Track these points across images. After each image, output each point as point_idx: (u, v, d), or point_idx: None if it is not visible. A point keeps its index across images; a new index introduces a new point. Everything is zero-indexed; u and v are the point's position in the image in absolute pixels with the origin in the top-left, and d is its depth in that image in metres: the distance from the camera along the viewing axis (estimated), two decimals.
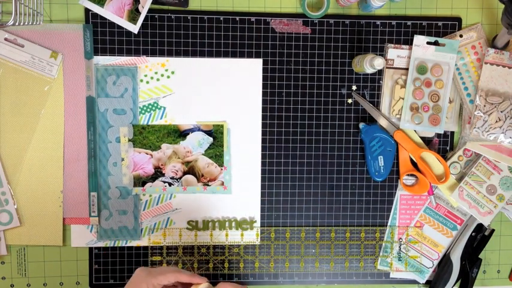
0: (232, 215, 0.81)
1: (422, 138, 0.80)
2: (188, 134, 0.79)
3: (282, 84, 0.80)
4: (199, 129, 0.79)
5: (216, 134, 0.79)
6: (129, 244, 0.80)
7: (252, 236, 0.81)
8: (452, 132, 0.82)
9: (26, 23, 0.68)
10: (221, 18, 0.78)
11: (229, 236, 0.81)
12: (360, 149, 0.81)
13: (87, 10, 0.76)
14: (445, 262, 0.82)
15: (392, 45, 0.79)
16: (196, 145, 0.79)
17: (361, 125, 0.80)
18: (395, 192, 0.82)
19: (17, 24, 0.66)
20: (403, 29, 0.80)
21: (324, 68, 0.80)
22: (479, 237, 0.82)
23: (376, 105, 0.80)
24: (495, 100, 0.78)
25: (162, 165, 0.79)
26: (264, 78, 0.79)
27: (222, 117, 0.79)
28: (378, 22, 0.79)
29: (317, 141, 0.81)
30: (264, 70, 0.79)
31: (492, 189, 0.79)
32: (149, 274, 0.63)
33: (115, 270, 0.80)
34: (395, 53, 0.79)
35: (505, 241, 0.85)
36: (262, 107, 0.80)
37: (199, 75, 0.78)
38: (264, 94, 0.79)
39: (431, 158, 0.80)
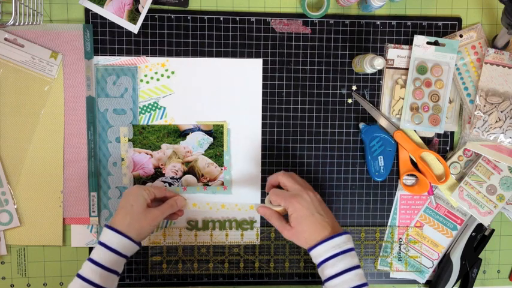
0: (232, 215, 0.81)
1: (422, 138, 0.80)
2: (188, 134, 0.79)
3: (282, 84, 0.80)
4: (199, 129, 0.79)
5: (216, 134, 0.79)
6: None
7: (252, 236, 0.81)
8: (452, 132, 0.82)
9: (26, 23, 0.68)
10: (221, 18, 0.78)
11: (229, 236, 0.81)
12: (360, 149, 0.81)
13: (87, 10, 0.76)
14: (445, 262, 0.82)
15: (392, 45, 0.79)
16: (196, 145, 0.79)
17: (361, 125, 0.80)
18: (395, 192, 0.82)
19: (17, 24, 0.66)
20: (403, 29, 0.80)
21: (324, 68, 0.80)
22: (479, 237, 0.82)
23: (376, 105, 0.80)
24: (495, 100, 0.78)
25: (162, 165, 0.79)
26: (264, 78, 0.79)
27: (222, 117, 0.79)
28: (378, 22, 0.79)
29: (317, 141, 0.81)
30: (264, 70, 0.79)
31: (492, 189, 0.79)
32: (141, 186, 0.74)
33: None
34: (395, 53, 0.79)
35: (505, 241, 0.85)
36: (262, 107, 0.80)
37: (199, 75, 0.78)
38: (264, 94, 0.79)
39: (431, 158, 0.80)
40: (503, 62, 0.78)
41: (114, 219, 0.69)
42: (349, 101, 0.80)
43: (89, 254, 0.81)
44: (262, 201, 0.81)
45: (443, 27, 0.80)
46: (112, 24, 0.77)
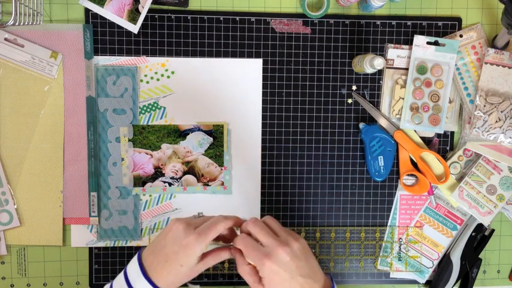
0: (232, 215, 0.80)
1: (422, 138, 0.80)
2: (188, 134, 0.79)
3: (282, 84, 0.80)
4: (199, 129, 0.79)
5: (216, 134, 0.79)
6: (129, 244, 0.80)
7: None
8: (452, 132, 0.82)
9: (26, 23, 0.68)
10: (221, 18, 0.78)
11: None
12: (360, 149, 0.81)
13: (87, 10, 0.76)
14: (445, 262, 0.82)
15: (392, 45, 0.79)
16: (196, 145, 0.79)
17: (361, 125, 0.80)
18: (395, 192, 0.82)
19: (17, 24, 0.66)
20: (403, 29, 0.80)
21: (324, 68, 0.80)
22: (479, 237, 0.82)
23: (376, 105, 0.80)
24: (495, 100, 0.78)
25: (162, 165, 0.79)
26: (264, 78, 0.79)
27: (222, 117, 0.79)
28: (378, 22, 0.79)
29: (317, 141, 0.81)
30: (264, 70, 0.79)
31: (492, 189, 0.79)
32: (199, 236, 0.56)
33: (115, 270, 0.80)
34: (395, 53, 0.79)
35: (505, 241, 0.85)
36: (262, 107, 0.80)
37: (199, 75, 0.78)
38: (264, 94, 0.79)
39: (431, 158, 0.80)
40: (503, 62, 0.78)
41: (154, 270, 0.57)
42: (349, 101, 0.80)
43: (89, 255, 0.80)
44: (262, 201, 0.81)
45: (443, 27, 0.80)
46: (112, 24, 0.77)
